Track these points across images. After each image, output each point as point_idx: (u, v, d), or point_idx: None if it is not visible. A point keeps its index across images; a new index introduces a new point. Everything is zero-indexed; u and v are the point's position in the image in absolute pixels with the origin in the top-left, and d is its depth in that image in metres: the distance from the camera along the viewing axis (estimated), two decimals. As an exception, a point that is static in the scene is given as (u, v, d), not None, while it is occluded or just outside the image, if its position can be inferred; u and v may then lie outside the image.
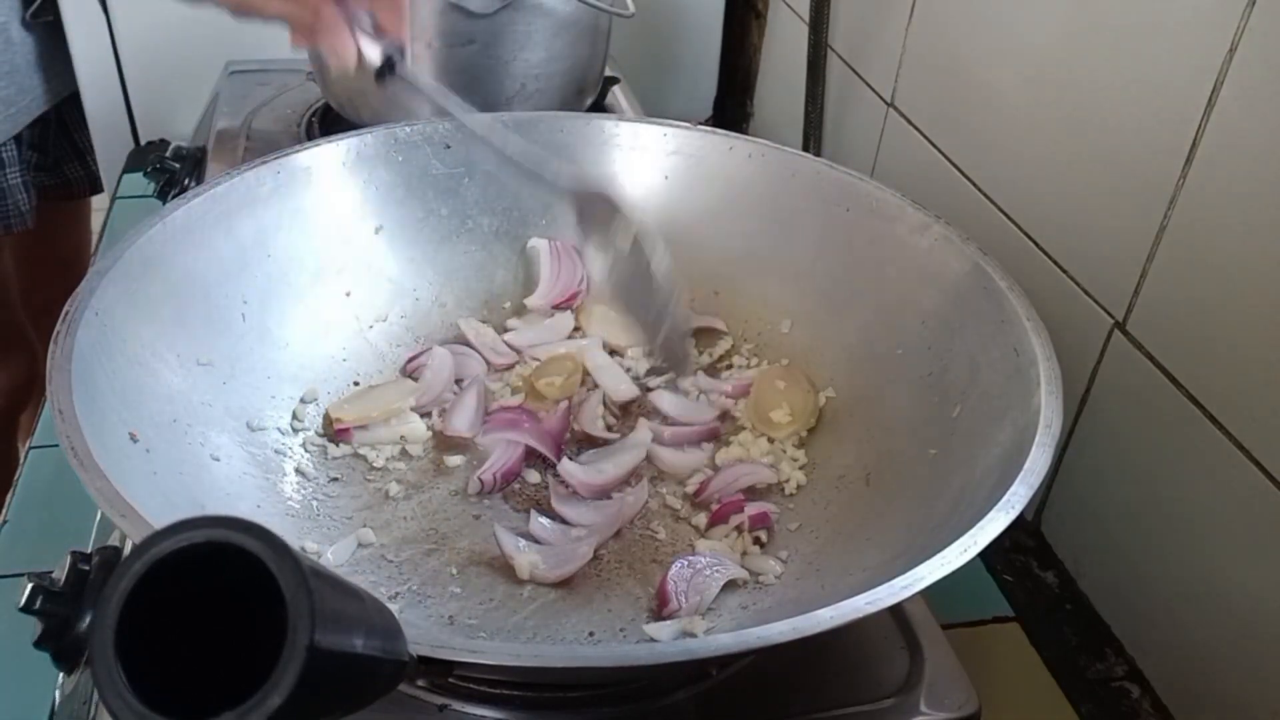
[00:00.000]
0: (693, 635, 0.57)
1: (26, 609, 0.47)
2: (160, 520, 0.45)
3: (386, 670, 0.34)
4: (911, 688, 0.55)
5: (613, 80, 1.13)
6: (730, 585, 0.61)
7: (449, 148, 0.79)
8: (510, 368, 0.78)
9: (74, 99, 1.24)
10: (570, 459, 0.69)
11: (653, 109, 1.14)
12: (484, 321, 0.80)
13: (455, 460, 0.70)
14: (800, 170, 0.77)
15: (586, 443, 0.72)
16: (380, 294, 0.77)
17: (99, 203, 1.33)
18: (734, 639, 0.43)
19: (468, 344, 0.78)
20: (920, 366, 0.67)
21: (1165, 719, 0.67)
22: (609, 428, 0.73)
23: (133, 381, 0.58)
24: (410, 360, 0.76)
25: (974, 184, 0.85)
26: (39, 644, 0.47)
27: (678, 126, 0.81)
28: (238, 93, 1.13)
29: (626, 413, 0.75)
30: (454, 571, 0.62)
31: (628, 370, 0.77)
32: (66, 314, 0.56)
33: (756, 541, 0.65)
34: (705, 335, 0.80)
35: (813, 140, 1.12)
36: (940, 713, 0.54)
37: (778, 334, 0.77)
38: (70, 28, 1.17)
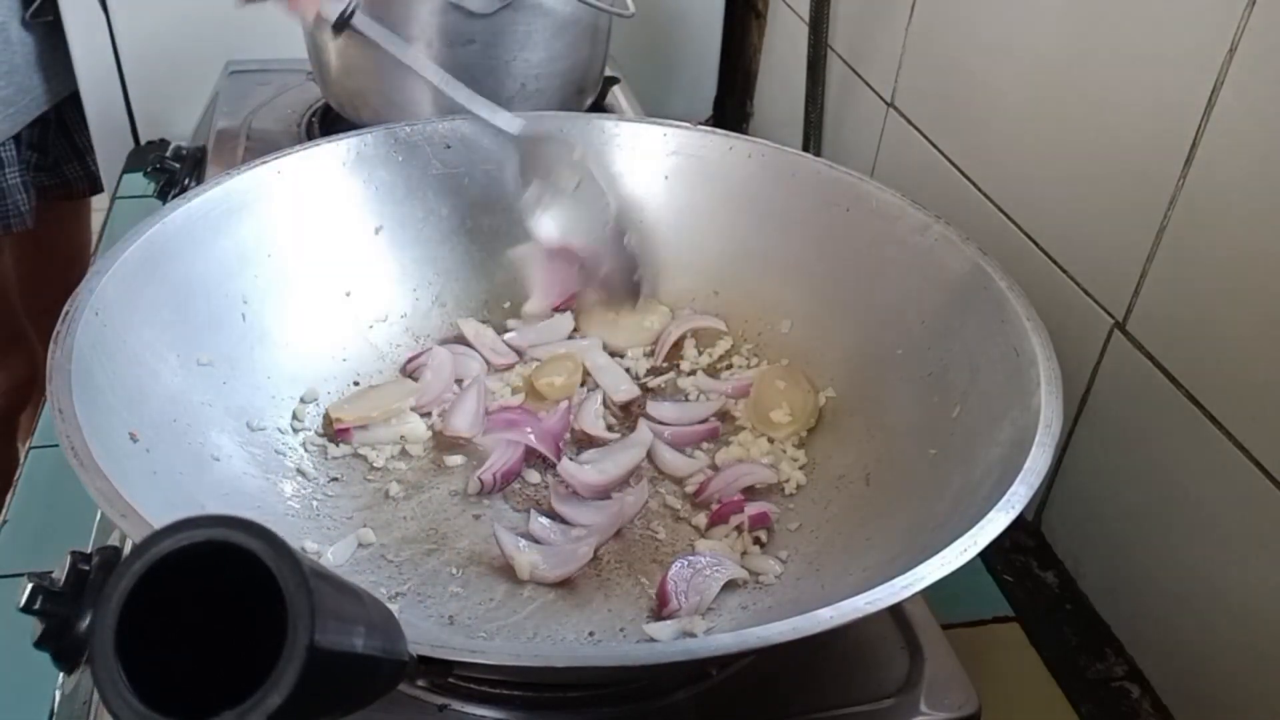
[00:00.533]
0: (693, 635, 0.57)
1: (26, 609, 0.47)
2: (160, 520, 0.45)
3: (386, 670, 0.34)
4: (911, 688, 0.55)
5: (613, 80, 1.13)
6: (730, 585, 0.61)
7: (449, 148, 0.79)
8: (510, 368, 0.78)
9: (74, 99, 1.24)
10: (570, 459, 0.69)
11: (653, 109, 1.14)
12: (484, 321, 0.80)
13: (455, 460, 0.70)
14: (800, 170, 0.77)
15: (586, 443, 0.72)
16: (380, 294, 0.77)
17: (99, 203, 1.33)
18: (734, 639, 0.43)
19: (468, 344, 0.78)
20: (920, 366, 0.67)
21: (1165, 719, 0.67)
22: (609, 428, 0.73)
23: (133, 381, 0.58)
24: (410, 360, 0.76)
25: (974, 184, 0.85)
26: (39, 644, 0.47)
27: (678, 126, 0.81)
28: (238, 93, 1.13)
29: (626, 413, 0.75)
30: (454, 571, 0.62)
31: (627, 370, 0.78)
32: (66, 314, 0.56)
33: (756, 541, 0.65)
34: (705, 335, 0.80)
35: (813, 140, 1.12)
36: (940, 713, 0.54)
37: (778, 334, 0.77)
38: (70, 27, 1.17)
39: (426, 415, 0.73)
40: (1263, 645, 0.60)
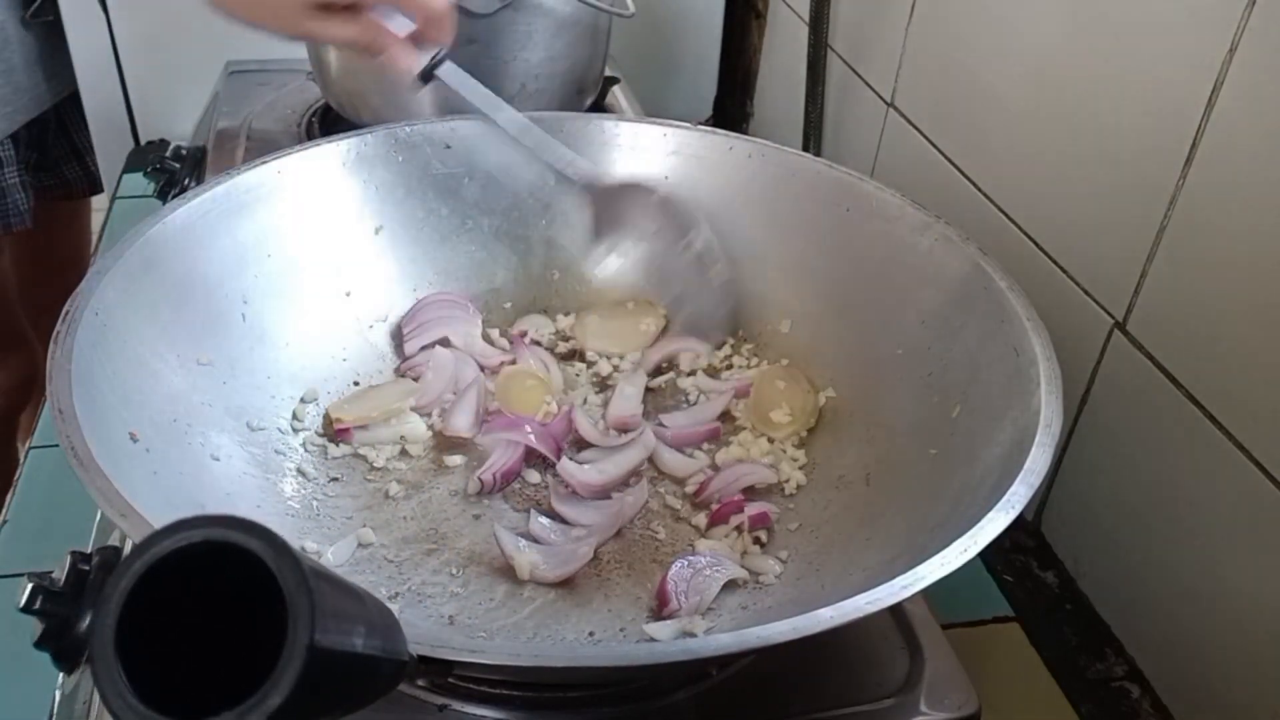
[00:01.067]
0: (693, 635, 0.57)
1: (26, 609, 0.47)
2: (160, 520, 0.45)
3: (386, 670, 0.34)
4: (911, 688, 0.55)
5: (613, 80, 1.13)
6: (730, 585, 0.61)
7: (449, 148, 0.79)
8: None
9: (73, 99, 1.24)
10: (570, 459, 0.69)
11: (653, 109, 1.14)
12: (484, 322, 0.80)
13: (455, 460, 0.70)
14: (800, 170, 0.77)
15: (587, 443, 0.72)
16: (380, 294, 0.77)
17: (99, 203, 1.33)
18: (734, 639, 0.43)
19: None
20: (920, 366, 0.67)
21: (1165, 719, 0.67)
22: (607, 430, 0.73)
23: (133, 381, 0.58)
24: (406, 361, 0.76)
25: (974, 184, 0.85)
26: (39, 644, 0.47)
27: (678, 126, 0.81)
28: (238, 93, 1.13)
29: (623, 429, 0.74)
30: (454, 571, 0.62)
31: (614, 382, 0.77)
32: (66, 314, 0.56)
33: (756, 541, 0.65)
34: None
35: (813, 140, 1.12)
36: (940, 713, 0.54)
37: (778, 334, 0.77)
38: (70, 27, 1.17)
39: (426, 415, 0.73)
40: (1263, 645, 0.60)
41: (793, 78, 1.14)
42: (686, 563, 0.60)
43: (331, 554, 0.62)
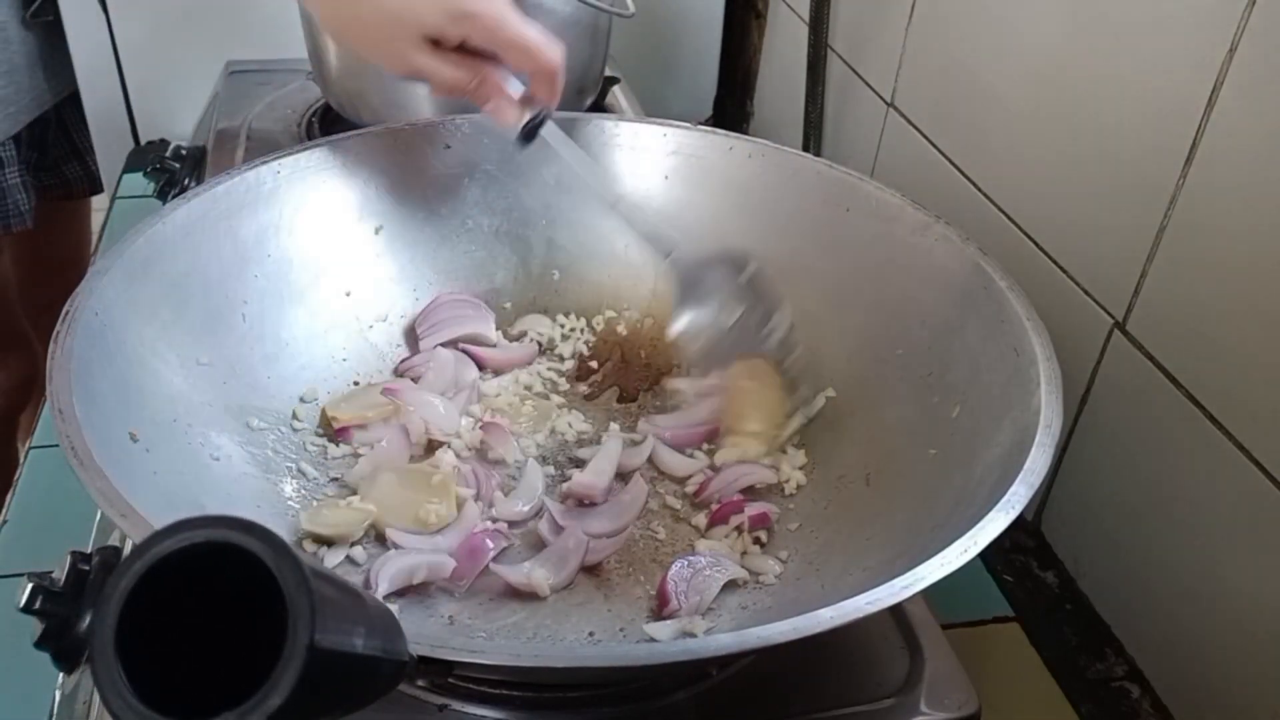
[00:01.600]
0: (693, 635, 0.57)
1: (26, 609, 0.47)
2: (160, 520, 0.45)
3: (386, 670, 0.34)
4: (911, 688, 0.55)
5: (613, 80, 1.13)
6: (730, 585, 0.61)
7: (449, 148, 0.79)
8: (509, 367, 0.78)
9: (74, 99, 1.24)
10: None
11: (653, 109, 1.14)
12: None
13: (453, 459, 0.70)
14: (800, 170, 0.77)
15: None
16: (380, 294, 0.77)
17: (99, 203, 1.33)
18: (734, 639, 0.43)
19: (468, 344, 0.78)
20: (920, 366, 0.67)
21: (1165, 719, 0.67)
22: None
23: (133, 381, 0.58)
24: (403, 361, 0.76)
25: (974, 184, 0.85)
26: (39, 644, 0.47)
27: (678, 126, 0.81)
28: (238, 93, 1.13)
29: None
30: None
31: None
32: (66, 314, 0.56)
33: (756, 541, 0.65)
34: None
35: (813, 140, 1.12)
36: (940, 713, 0.54)
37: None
38: (70, 27, 1.17)
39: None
40: (1263, 645, 0.60)
41: (793, 78, 1.14)
42: (686, 563, 0.60)
43: (330, 554, 0.62)
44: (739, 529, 0.65)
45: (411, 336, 0.78)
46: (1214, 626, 0.64)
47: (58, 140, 1.27)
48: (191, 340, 0.64)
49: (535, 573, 0.61)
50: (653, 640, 0.57)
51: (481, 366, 0.77)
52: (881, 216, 0.72)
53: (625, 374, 0.79)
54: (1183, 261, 0.64)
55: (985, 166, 0.84)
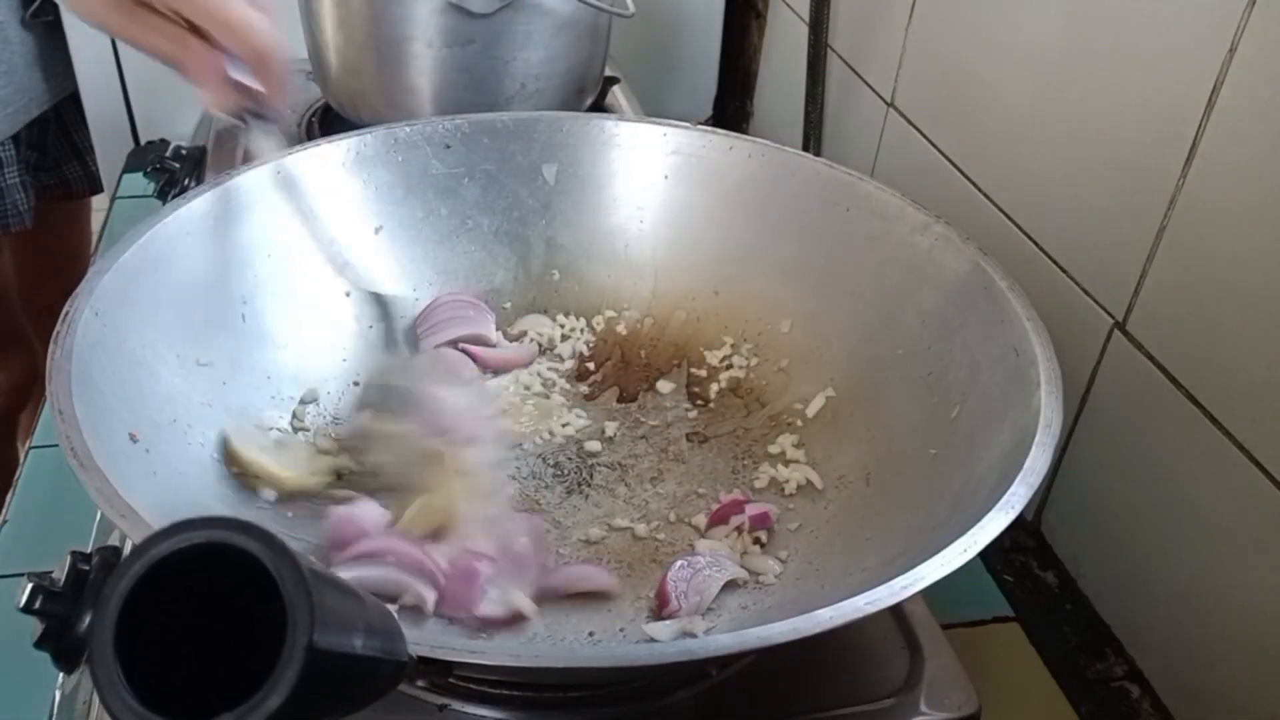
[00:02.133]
0: (693, 635, 0.57)
1: (26, 609, 0.47)
2: (160, 520, 0.45)
3: (386, 671, 0.34)
4: (911, 688, 0.55)
5: (613, 80, 1.13)
6: (730, 585, 0.61)
7: (449, 148, 0.79)
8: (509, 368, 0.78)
9: (73, 99, 1.24)
10: None
11: (653, 109, 1.14)
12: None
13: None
14: (800, 170, 0.77)
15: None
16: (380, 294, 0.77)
17: (99, 203, 1.33)
18: (734, 639, 0.43)
19: (468, 344, 0.78)
20: (920, 366, 0.67)
21: (1165, 719, 0.67)
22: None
23: (133, 381, 0.58)
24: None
25: (974, 184, 0.85)
26: (39, 644, 0.47)
27: (678, 126, 0.81)
28: (238, 93, 1.13)
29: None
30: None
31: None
32: (66, 314, 0.56)
33: (756, 542, 0.65)
34: (706, 335, 0.80)
35: (813, 140, 1.12)
36: (940, 713, 0.54)
37: (778, 334, 0.77)
38: (70, 27, 1.17)
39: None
40: (1263, 645, 0.60)
41: (793, 78, 1.14)
42: (686, 563, 0.60)
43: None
44: (739, 529, 0.65)
45: (411, 336, 0.78)
46: (1214, 626, 0.64)
47: (57, 140, 1.27)
48: (191, 340, 0.64)
49: (512, 595, 0.58)
50: (653, 640, 0.57)
51: (482, 367, 0.77)
52: (881, 216, 0.72)
53: (625, 374, 0.79)
54: (1183, 262, 0.64)
55: (985, 166, 0.84)
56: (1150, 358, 0.67)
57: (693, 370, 0.79)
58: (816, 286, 0.75)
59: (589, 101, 1.03)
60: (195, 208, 0.67)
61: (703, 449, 0.73)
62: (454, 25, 0.89)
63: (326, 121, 1.07)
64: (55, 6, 1.15)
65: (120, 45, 1.19)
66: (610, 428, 0.74)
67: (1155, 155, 0.65)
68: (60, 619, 0.47)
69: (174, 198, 0.79)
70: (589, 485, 0.69)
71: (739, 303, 0.79)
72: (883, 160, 1.02)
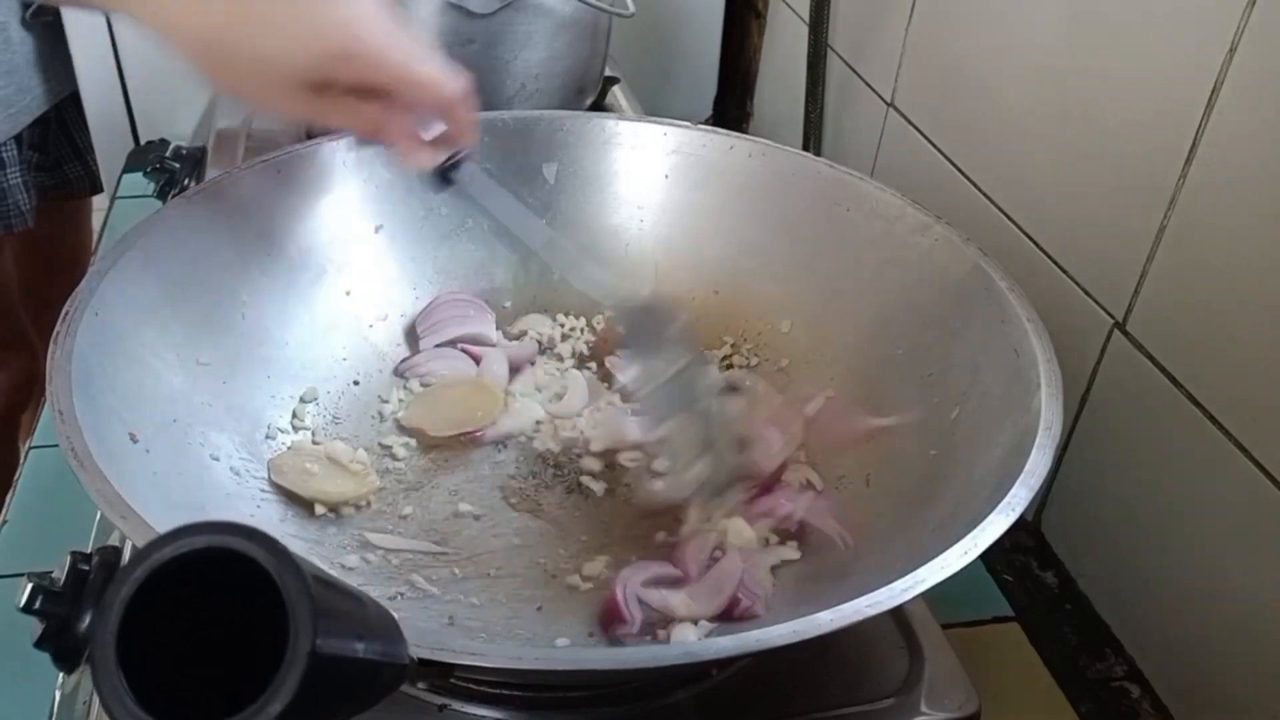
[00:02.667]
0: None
1: (26, 609, 0.47)
2: (160, 521, 0.45)
3: (387, 674, 0.34)
4: (911, 688, 0.55)
5: (613, 80, 1.13)
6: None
7: (449, 147, 0.79)
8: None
9: (74, 99, 1.24)
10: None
11: (653, 109, 1.14)
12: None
13: (449, 459, 0.70)
14: (800, 170, 0.77)
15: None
16: (380, 294, 0.77)
17: (99, 203, 1.33)
18: (734, 641, 0.43)
19: (468, 344, 0.78)
20: (920, 367, 0.67)
21: (1165, 719, 0.67)
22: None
23: (133, 381, 0.58)
24: (403, 361, 0.76)
25: (974, 184, 0.85)
26: (39, 644, 0.47)
27: (678, 126, 0.81)
28: (238, 92, 1.13)
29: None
30: (454, 572, 0.62)
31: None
32: (66, 314, 0.56)
33: (783, 534, 0.64)
34: (706, 335, 0.79)
35: (813, 140, 1.12)
36: (940, 713, 0.54)
37: (778, 334, 0.77)
38: (70, 27, 1.17)
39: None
40: (1263, 645, 0.60)
41: (793, 78, 1.14)
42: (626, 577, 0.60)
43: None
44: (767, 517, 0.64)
45: (411, 336, 0.78)
46: (1214, 626, 0.64)
47: (58, 140, 1.27)
48: (191, 340, 0.64)
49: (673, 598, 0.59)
50: (653, 641, 0.57)
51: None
52: (881, 216, 0.72)
53: (625, 374, 0.79)
54: (1183, 262, 0.64)
55: (985, 166, 0.84)
56: (1150, 358, 0.67)
57: (693, 370, 0.79)
58: (816, 286, 0.75)
59: (589, 101, 1.03)
60: (195, 208, 0.67)
61: (703, 449, 0.73)
62: (454, 25, 0.89)
63: (326, 121, 1.06)
64: (55, 6, 1.15)
65: (120, 45, 1.19)
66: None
67: (1155, 155, 0.65)
68: (60, 619, 0.47)
69: (174, 198, 0.79)
70: (589, 485, 0.69)
71: (739, 303, 0.79)
72: (883, 160, 1.02)
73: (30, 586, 0.47)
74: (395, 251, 0.78)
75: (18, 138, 1.15)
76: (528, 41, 0.91)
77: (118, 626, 0.27)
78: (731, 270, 0.79)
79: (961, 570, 0.46)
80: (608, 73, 1.07)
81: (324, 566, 0.57)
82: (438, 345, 0.77)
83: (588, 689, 0.55)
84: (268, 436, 0.67)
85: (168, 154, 0.99)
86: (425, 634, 0.54)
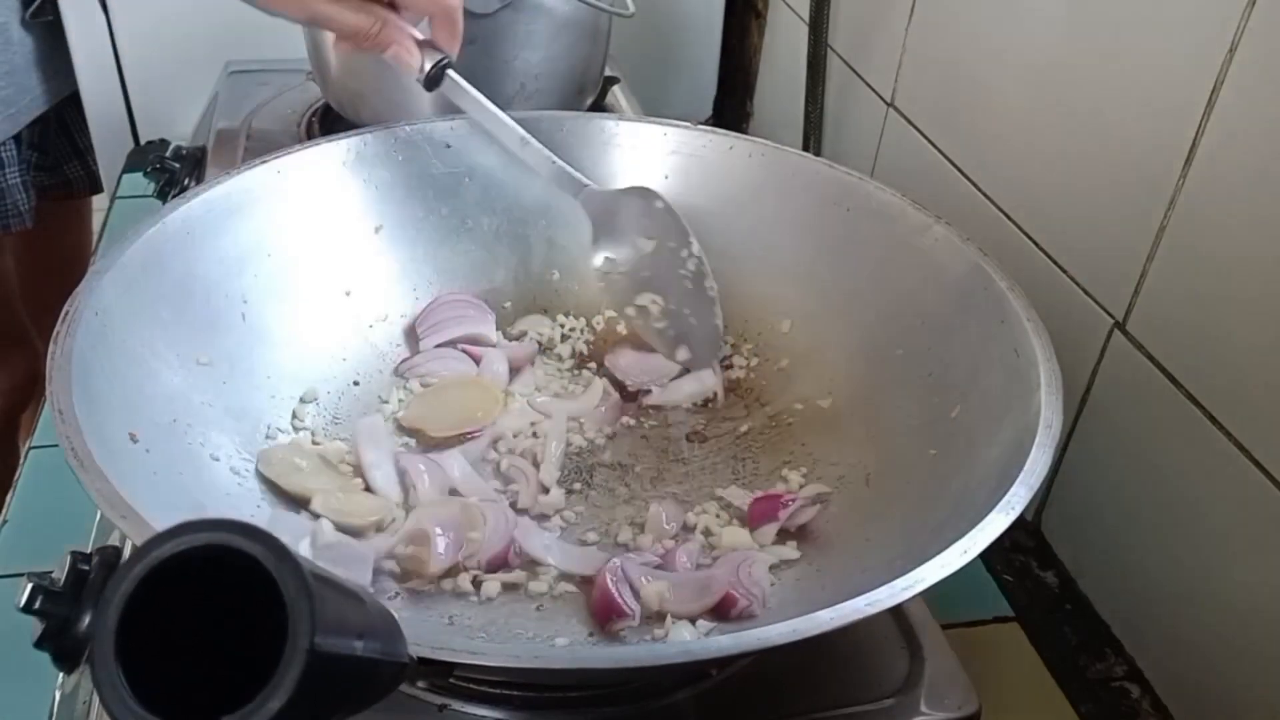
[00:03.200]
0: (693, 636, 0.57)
1: (26, 609, 0.47)
2: (160, 521, 0.45)
3: (387, 672, 0.34)
4: (911, 688, 0.55)
5: (613, 80, 1.13)
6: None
7: (449, 147, 0.79)
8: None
9: (74, 99, 1.24)
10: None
11: (653, 109, 1.14)
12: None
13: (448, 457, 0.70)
14: (800, 170, 0.77)
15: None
16: (380, 294, 0.77)
17: (99, 203, 1.33)
18: (733, 640, 0.43)
19: (468, 344, 0.78)
20: (920, 366, 0.67)
21: (1165, 719, 0.67)
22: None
23: (133, 381, 0.58)
24: (403, 361, 0.76)
25: (974, 184, 0.85)
26: (39, 644, 0.47)
27: (678, 126, 0.81)
28: (238, 93, 1.13)
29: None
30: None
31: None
32: (66, 314, 0.56)
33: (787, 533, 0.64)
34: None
35: (813, 140, 1.12)
36: (940, 713, 0.54)
37: (778, 334, 0.77)
38: (70, 27, 1.17)
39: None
40: (1263, 645, 0.60)
41: (793, 78, 1.14)
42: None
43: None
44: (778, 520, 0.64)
45: (411, 336, 0.78)
46: (1214, 626, 0.64)
47: (58, 140, 1.27)
48: (191, 340, 0.64)
49: (653, 585, 0.58)
50: (653, 640, 0.57)
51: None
52: (881, 216, 0.72)
53: (625, 374, 0.79)
54: (1183, 261, 0.64)
55: (985, 166, 0.84)
56: (1150, 358, 0.67)
57: (693, 370, 0.79)
58: (816, 286, 0.75)
59: (589, 101, 1.03)
60: (195, 208, 0.67)
61: (703, 449, 0.73)
62: (454, 25, 0.88)
63: (326, 121, 1.07)
64: (55, 6, 1.15)
65: (120, 46, 1.19)
66: (610, 428, 0.74)
67: (1155, 155, 0.65)
68: (60, 619, 0.47)
69: (174, 198, 0.79)
70: (589, 485, 0.69)
71: (739, 303, 0.79)
72: (883, 160, 1.02)
73: (30, 586, 0.47)
74: (395, 251, 0.78)
75: (17, 137, 1.15)
76: (528, 41, 0.91)
77: (117, 622, 0.27)
78: (731, 270, 0.79)
79: (961, 570, 0.46)
80: (608, 73, 1.07)
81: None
82: (438, 345, 0.77)
83: (587, 689, 0.55)
84: (268, 436, 0.67)
85: (168, 154, 1.00)
86: (425, 633, 0.54)
